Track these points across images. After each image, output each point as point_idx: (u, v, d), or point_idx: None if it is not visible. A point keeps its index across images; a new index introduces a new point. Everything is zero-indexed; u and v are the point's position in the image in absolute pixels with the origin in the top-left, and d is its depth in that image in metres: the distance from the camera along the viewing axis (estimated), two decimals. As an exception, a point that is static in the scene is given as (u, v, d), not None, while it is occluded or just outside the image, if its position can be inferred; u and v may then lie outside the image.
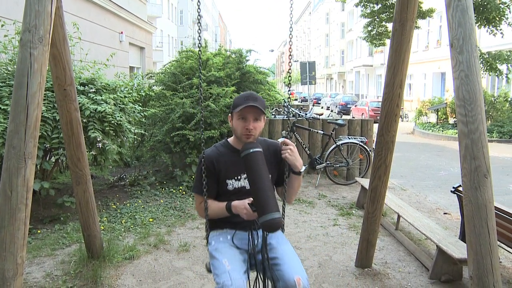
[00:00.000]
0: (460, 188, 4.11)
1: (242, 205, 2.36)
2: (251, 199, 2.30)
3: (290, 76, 2.58)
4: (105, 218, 5.24)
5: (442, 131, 17.55)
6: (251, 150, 2.29)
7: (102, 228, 4.92)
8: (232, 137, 2.60)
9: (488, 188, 2.23)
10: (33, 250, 4.28)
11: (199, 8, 2.34)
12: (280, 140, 2.61)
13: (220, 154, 2.55)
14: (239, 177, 2.55)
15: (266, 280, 2.49)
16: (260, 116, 2.46)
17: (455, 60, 2.35)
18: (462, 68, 2.31)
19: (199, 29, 2.42)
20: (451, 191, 4.20)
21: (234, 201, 2.43)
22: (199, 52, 2.65)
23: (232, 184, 2.54)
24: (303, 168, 2.54)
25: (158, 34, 35.57)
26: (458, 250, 3.57)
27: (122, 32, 13.91)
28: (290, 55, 2.51)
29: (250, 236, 2.52)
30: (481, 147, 2.25)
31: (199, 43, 2.55)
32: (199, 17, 2.35)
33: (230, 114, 2.55)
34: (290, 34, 2.49)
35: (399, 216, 4.96)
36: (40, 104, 2.42)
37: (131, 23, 15.18)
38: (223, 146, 2.61)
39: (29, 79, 2.36)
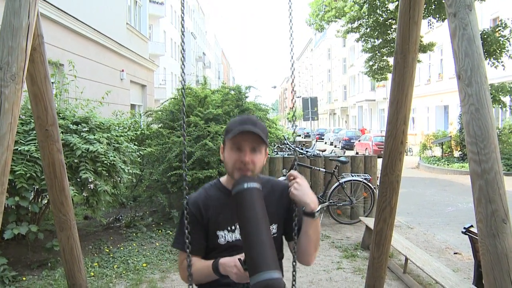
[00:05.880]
0: (472, 229, 3.85)
1: (231, 263, 1.74)
2: (244, 254, 1.68)
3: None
4: (96, 263, 4.96)
5: (448, 164, 17.26)
6: (245, 186, 1.72)
7: (92, 274, 4.65)
8: (225, 176, 2.03)
9: (508, 234, 1.97)
10: (16, 301, 4.01)
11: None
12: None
13: (209, 198, 1.98)
14: (233, 228, 1.95)
15: None
16: (260, 146, 1.91)
17: (464, 93, 2.14)
18: (472, 102, 2.10)
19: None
20: (462, 231, 3.92)
21: (223, 258, 1.82)
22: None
23: (225, 236, 1.95)
24: (318, 208, 1.88)
25: (161, 72, 35.85)
26: (473, 298, 3.27)
27: (123, 70, 13.91)
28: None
29: None
30: (497, 189, 2.01)
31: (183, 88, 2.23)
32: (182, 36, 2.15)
33: (222, 144, 2.02)
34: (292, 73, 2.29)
35: (406, 259, 4.66)
36: (11, 147, 2.20)
37: (132, 61, 15.22)
38: (213, 187, 2.04)
39: (-2, 119, 2.16)
